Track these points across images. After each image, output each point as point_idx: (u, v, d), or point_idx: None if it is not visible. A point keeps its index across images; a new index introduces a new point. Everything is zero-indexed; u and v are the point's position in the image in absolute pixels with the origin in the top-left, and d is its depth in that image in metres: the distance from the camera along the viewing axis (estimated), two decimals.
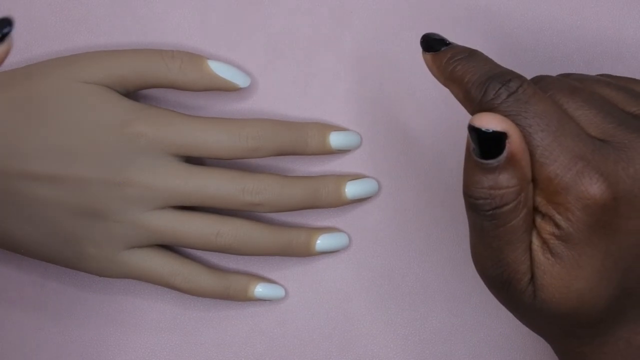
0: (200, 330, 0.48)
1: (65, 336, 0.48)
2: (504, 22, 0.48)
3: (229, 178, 0.45)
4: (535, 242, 0.36)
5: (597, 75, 0.40)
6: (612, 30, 0.48)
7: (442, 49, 0.38)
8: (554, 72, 0.48)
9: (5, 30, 0.35)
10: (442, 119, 0.48)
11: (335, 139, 0.47)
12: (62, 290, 0.48)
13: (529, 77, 0.37)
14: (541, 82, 0.37)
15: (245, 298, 0.47)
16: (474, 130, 0.35)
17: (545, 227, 0.36)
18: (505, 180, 0.35)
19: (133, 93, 0.47)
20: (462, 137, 0.48)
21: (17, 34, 0.48)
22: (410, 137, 0.48)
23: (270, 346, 0.48)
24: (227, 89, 0.46)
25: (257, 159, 0.48)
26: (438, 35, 0.39)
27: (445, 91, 0.48)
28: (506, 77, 0.36)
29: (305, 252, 0.47)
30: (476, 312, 0.48)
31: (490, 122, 0.35)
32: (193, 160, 0.47)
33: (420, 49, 0.39)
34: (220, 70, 0.46)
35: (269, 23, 0.48)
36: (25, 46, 0.48)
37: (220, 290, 0.46)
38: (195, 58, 0.46)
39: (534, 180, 0.36)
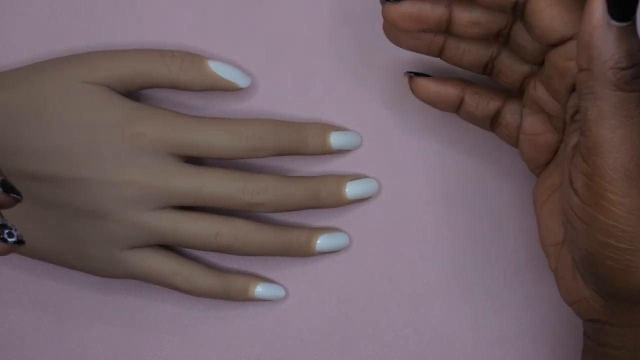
0: (200, 330, 0.48)
1: (65, 336, 0.48)
2: None
3: (229, 178, 0.45)
4: None
5: None
6: None
7: None
8: None
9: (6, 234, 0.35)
10: (442, 118, 0.48)
11: (336, 139, 0.47)
12: (62, 290, 0.48)
13: None
14: None
15: (245, 298, 0.47)
16: None
17: None
18: None
19: (133, 93, 0.47)
20: (462, 137, 0.48)
21: (17, 34, 0.48)
22: (410, 137, 0.48)
23: (270, 346, 0.48)
24: (227, 89, 0.46)
25: (257, 159, 0.48)
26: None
27: None
28: None
29: (306, 252, 0.47)
30: (476, 312, 0.48)
31: None
32: (193, 160, 0.47)
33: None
34: (220, 70, 0.46)
35: (269, 23, 0.48)
36: (25, 46, 0.48)
37: (220, 290, 0.46)
38: (195, 58, 0.45)
39: None
